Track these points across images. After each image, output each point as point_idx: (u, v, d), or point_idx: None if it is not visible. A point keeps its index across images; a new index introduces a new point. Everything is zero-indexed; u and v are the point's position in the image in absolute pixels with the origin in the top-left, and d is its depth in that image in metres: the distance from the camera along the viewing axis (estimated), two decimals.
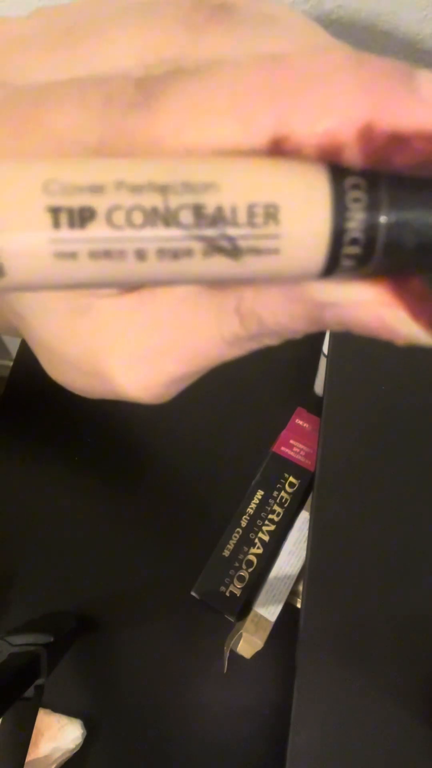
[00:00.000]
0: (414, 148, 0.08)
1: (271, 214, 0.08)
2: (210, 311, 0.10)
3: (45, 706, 0.49)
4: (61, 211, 0.08)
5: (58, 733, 0.47)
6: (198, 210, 0.08)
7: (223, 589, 0.48)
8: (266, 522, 0.50)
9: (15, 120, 0.09)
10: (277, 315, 0.10)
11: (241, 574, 0.48)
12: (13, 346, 0.98)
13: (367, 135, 0.08)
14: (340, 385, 0.40)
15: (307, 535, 0.49)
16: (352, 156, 0.08)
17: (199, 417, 0.60)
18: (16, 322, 0.12)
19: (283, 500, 0.51)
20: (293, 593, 0.48)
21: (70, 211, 0.08)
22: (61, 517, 0.57)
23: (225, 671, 0.48)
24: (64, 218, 0.08)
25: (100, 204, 0.08)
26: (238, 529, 0.50)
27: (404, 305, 0.09)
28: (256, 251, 0.08)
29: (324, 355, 0.52)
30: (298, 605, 0.48)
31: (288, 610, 0.48)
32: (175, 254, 0.08)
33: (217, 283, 0.10)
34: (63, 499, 0.57)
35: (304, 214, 0.08)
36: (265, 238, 0.08)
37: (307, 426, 0.55)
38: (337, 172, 0.08)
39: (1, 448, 0.60)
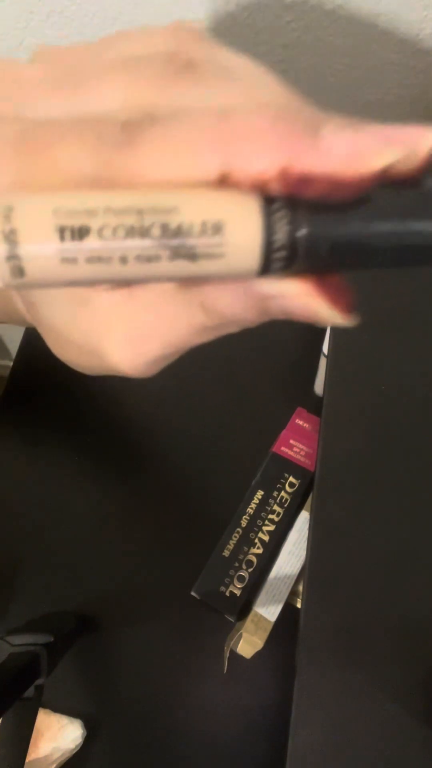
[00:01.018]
0: (316, 185, 0.11)
1: (218, 228, 0.11)
2: (182, 306, 0.13)
3: (45, 706, 0.49)
4: (66, 229, 0.11)
5: (58, 733, 0.47)
6: (165, 227, 0.11)
7: (223, 589, 0.48)
8: (266, 522, 0.50)
9: (28, 152, 0.11)
10: (233, 307, 0.12)
11: (241, 574, 0.48)
12: (13, 346, 0.98)
13: (284, 176, 0.11)
14: (340, 385, 0.40)
15: (307, 535, 0.49)
16: (276, 188, 0.11)
17: (199, 417, 0.60)
18: (28, 310, 0.15)
19: (283, 500, 0.51)
20: (293, 593, 0.48)
21: (72, 229, 0.11)
22: (61, 517, 0.57)
23: (225, 671, 0.48)
24: (67, 234, 0.11)
25: (93, 223, 0.11)
26: (238, 529, 0.50)
27: (324, 295, 0.12)
28: (208, 256, 0.11)
29: (324, 355, 0.52)
30: (298, 605, 0.48)
31: (288, 610, 0.48)
32: (149, 259, 0.11)
33: (182, 281, 0.12)
34: (63, 499, 0.57)
35: (242, 228, 0.11)
36: (214, 246, 0.11)
37: (307, 426, 0.55)
38: (267, 199, 0.11)
39: (0, 448, 0.60)
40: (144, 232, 0.11)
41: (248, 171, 0.11)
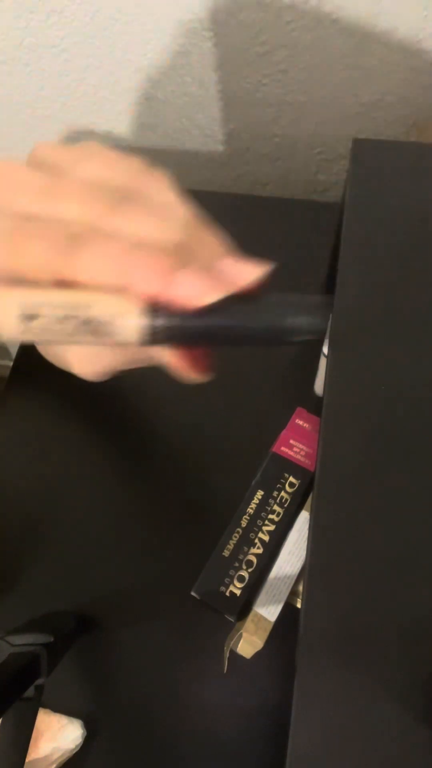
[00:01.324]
0: (174, 306, 0.19)
1: (117, 317, 0.19)
2: (110, 349, 0.23)
3: (45, 706, 0.49)
4: (24, 315, 0.19)
5: (58, 733, 0.47)
6: (85, 315, 0.19)
7: (223, 589, 0.48)
8: (266, 522, 0.50)
9: (11, 246, 0.19)
10: (140, 356, 0.23)
11: (241, 574, 0.48)
12: (13, 347, 0.98)
13: (156, 297, 0.19)
14: (340, 385, 0.40)
15: (307, 535, 0.49)
16: (152, 299, 0.19)
17: (199, 417, 0.60)
18: None
19: (283, 500, 0.51)
20: (293, 593, 0.48)
21: (28, 315, 0.19)
22: (60, 517, 0.57)
23: (225, 671, 0.48)
24: (25, 318, 0.19)
25: (41, 312, 0.19)
26: (238, 529, 0.50)
27: (187, 361, 0.22)
28: (109, 334, 0.19)
29: (324, 355, 0.52)
30: (298, 605, 0.48)
31: (288, 610, 0.48)
32: (73, 333, 0.19)
33: (98, 345, 0.21)
34: (62, 499, 0.57)
35: (129, 320, 0.19)
36: (112, 329, 0.19)
37: (307, 426, 0.55)
38: (147, 304, 0.19)
39: (0, 448, 0.60)
40: (71, 318, 0.19)
41: (137, 289, 0.19)
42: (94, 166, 0.21)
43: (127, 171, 0.21)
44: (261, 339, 0.20)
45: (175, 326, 0.19)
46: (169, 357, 0.22)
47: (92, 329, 0.19)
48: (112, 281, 0.19)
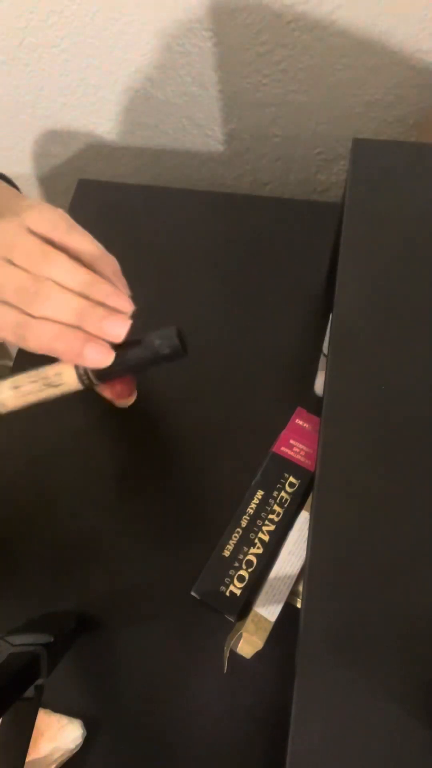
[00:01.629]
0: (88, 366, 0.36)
1: (60, 375, 0.36)
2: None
3: (45, 706, 0.49)
4: (13, 387, 0.37)
5: (58, 733, 0.47)
6: (45, 377, 0.36)
7: (223, 589, 0.48)
8: (266, 522, 0.50)
9: None
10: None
11: (241, 574, 0.48)
12: (14, 347, 0.97)
13: (77, 364, 0.36)
14: (340, 385, 0.40)
15: (307, 535, 0.49)
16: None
17: (199, 417, 0.60)
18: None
19: (283, 500, 0.51)
20: (293, 593, 0.48)
21: (15, 387, 0.37)
22: (60, 517, 0.57)
23: (225, 671, 0.48)
24: (14, 388, 0.37)
25: (20, 383, 0.37)
26: (238, 529, 0.50)
27: (111, 392, 0.41)
28: (58, 385, 0.36)
29: (324, 355, 0.52)
30: (298, 605, 0.48)
31: (288, 610, 0.48)
32: (42, 390, 0.37)
33: (58, 394, 0.37)
34: (62, 500, 0.57)
35: (69, 376, 0.37)
36: (58, 382, 0.36)
37: (307, 426, 0.55)
38: (77, 365, 0.37)
39: (0, 448, 0.60)
40: (37, 380, 0.36)
41: (64, 360, 0.35)
42: (20, 256, 0.32)
43: (53, 225, 0.32)
44: (143, 365, 0.35)
45: (92, 373, 0.35)
46: (102, 391, 0.39)
47: (51, 384, 0.36)
48: (51, 354, 0.33)
